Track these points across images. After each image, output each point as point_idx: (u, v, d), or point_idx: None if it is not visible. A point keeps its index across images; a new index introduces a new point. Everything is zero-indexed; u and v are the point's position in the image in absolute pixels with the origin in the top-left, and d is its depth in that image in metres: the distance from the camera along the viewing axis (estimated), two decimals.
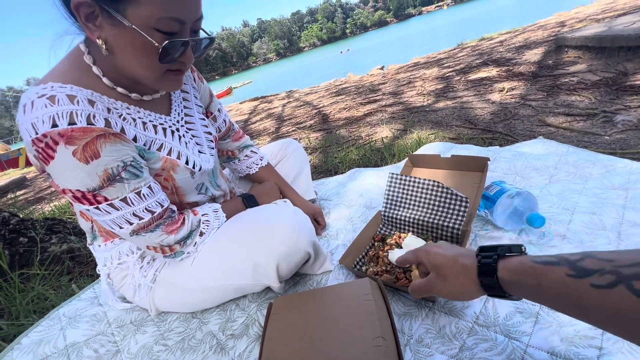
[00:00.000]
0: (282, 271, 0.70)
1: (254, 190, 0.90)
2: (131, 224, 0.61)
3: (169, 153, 0.68)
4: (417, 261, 0.55)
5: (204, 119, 0.82)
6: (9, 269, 1.04)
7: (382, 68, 6.06)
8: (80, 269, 1.17)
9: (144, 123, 0.66)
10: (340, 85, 4.83)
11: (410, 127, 1.98)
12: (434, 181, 0.85)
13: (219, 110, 0.91)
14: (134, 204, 0.60)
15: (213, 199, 0.83)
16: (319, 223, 1.03)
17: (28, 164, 7.53)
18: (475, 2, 63.42)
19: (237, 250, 0.69)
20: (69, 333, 0.80)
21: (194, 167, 0.72)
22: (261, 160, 1.01)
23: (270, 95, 5.75)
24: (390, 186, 0.93)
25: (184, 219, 0.69)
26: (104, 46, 0.55)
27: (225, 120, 0.93)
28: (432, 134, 1.75)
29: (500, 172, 1.05)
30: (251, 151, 1.01)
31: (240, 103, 5.82)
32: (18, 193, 3.80)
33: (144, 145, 0.65)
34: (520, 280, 0.37)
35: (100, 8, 0.51)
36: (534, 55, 2.86)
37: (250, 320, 0.75)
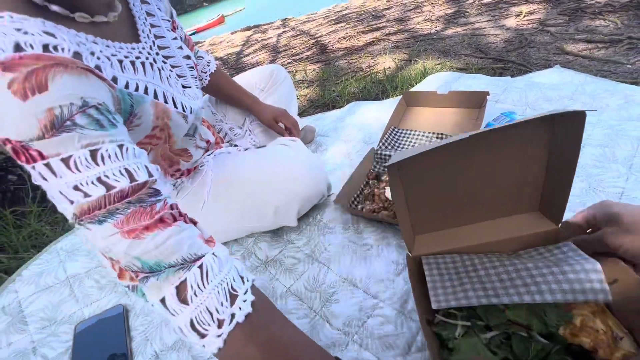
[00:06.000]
0: (301, 212, 0.75)
1: None
2: (71, 202, 0.33)
3: (156, 96, 0.50)
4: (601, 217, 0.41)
5: (176, 39, 0.62)
6: (1, 206, 1.03)
7: None
8: None
9: (120, 61, 0.46)
10: (340, 11, 4.38)
11: (416, 56, 1.82)
12: (434, 133, 0.90)
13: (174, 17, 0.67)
14: (78, 170, 0.33)
15: (199, 138, 0.70)
16: (286, 128, 0.92)
17: None
18: None
19: (258, 196, 0.70)
20: (68, 266, 0.81)
21: (184, 110, 0.56)
22: (208, 65, 0.83)
23: (264, 25, 5.25)
24: (390, 135, 0.94)
25: (163, 217, 0.35)
26: None
27: (182, 28, 0.69)
28: (438, 64, 1.61)
29: (510, 103, 0.98)
30: (197, 56, 0.82)
31: (232, 33, 5.33)
32: None
33: (126, 87, 0.44)
34: None
35: None
36: None
37: (247, 252, 0.76)
